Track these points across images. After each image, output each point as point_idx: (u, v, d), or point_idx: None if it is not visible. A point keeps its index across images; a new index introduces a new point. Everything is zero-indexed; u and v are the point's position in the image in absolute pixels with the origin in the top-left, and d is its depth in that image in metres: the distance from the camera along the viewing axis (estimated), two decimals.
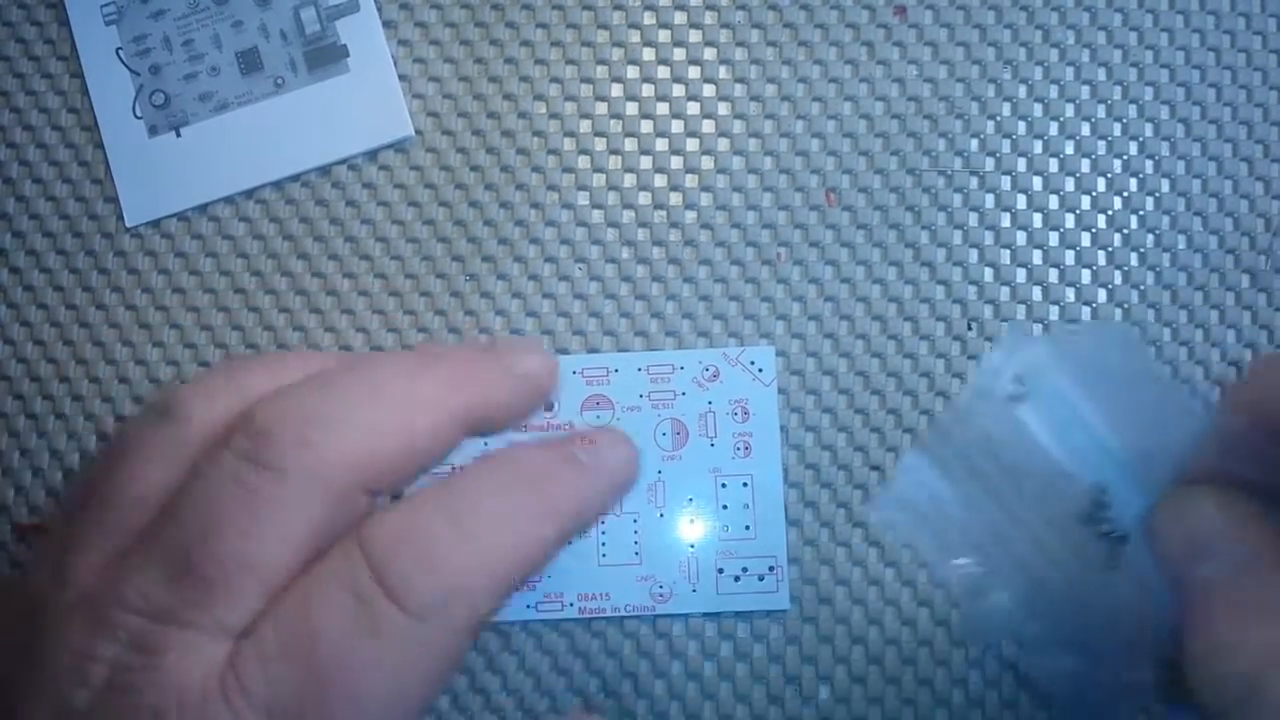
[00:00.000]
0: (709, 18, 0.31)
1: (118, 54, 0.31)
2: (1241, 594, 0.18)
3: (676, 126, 0.30)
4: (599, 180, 0.30)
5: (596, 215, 0.30)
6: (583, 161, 0.30)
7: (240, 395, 0.20)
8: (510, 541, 0.20)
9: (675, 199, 0.30)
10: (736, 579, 0.28)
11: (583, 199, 0.30)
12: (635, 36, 0.31)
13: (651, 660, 0.28)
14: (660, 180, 0.30)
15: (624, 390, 0.29)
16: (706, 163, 0.30)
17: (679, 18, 0.31)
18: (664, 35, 0.31)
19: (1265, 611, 0.18)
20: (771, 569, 0.28)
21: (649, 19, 0.31)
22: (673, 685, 0.28)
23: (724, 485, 0.28)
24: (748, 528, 0.28)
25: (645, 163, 0.30)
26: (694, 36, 0.31)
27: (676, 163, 0.30)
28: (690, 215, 0.30)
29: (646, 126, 0.30)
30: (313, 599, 0.18)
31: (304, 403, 0.19)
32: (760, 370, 0.29)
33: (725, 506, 0.28)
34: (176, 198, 0.30)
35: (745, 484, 0.28)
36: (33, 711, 0.17)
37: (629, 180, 0.30)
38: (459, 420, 0.20)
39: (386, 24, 0.31)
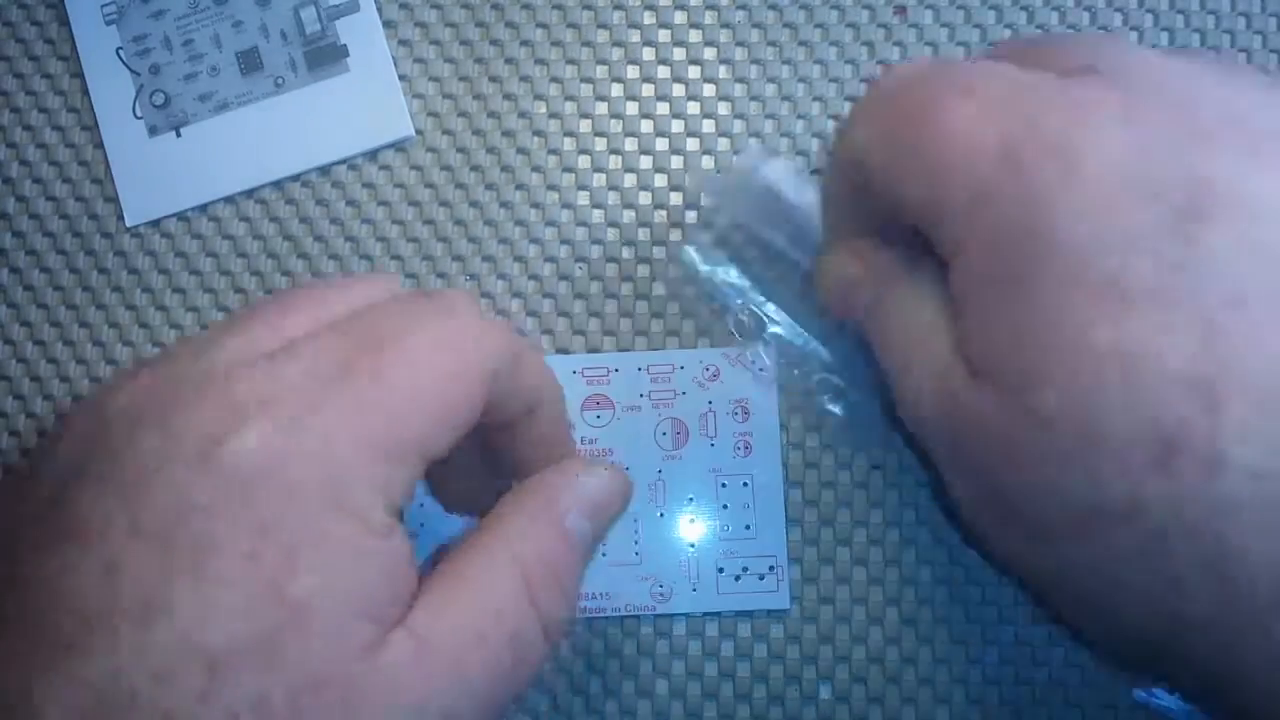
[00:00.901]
0: (709, 18, 0.31)
1: (118, 54, 0.30)
2: (892, 304, 0.22)
3: (676, 126, 0.30)
4: (599, 180, 0.30)
5: (597, 215, 0.30)
6: (583, 161, 0.30)
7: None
8: None
9: (675, 199, 0.30)
10: (737, 578, 0.28)
11: (583, 199, 0.30)
12: (635, 36, 0.31)
13: (653, 659, 0.28)
14: (660, 180, 0.30)
15: (624, 390, 0.29)
16: (707, 162, 0.30)
17: (679, 18, 0.31)
18: (664, 35, 0.31)
19: (908, 304, 0.22)
20: (772, 568, 0.28)
21: (649, 19, 0.31)
22: (674, 684, 0.28)
23: (724, 485, 0.28)
24: (748, 527, 0.28)
25: (645, 163, 0.30)
26: (694, 36, 0.31)
27: (677, 163, 0.30)
28: (691, 215, 0.30)
29: (646, 126, 0.30)
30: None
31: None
32: (761, 370, 0.29)
33: (725, 506, 0.28)
34: (176, 198, 0.30)
35: (745, 484, 0.28)
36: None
37: (629, 180, 0.30)
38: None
39: (386, 24, 0.31)
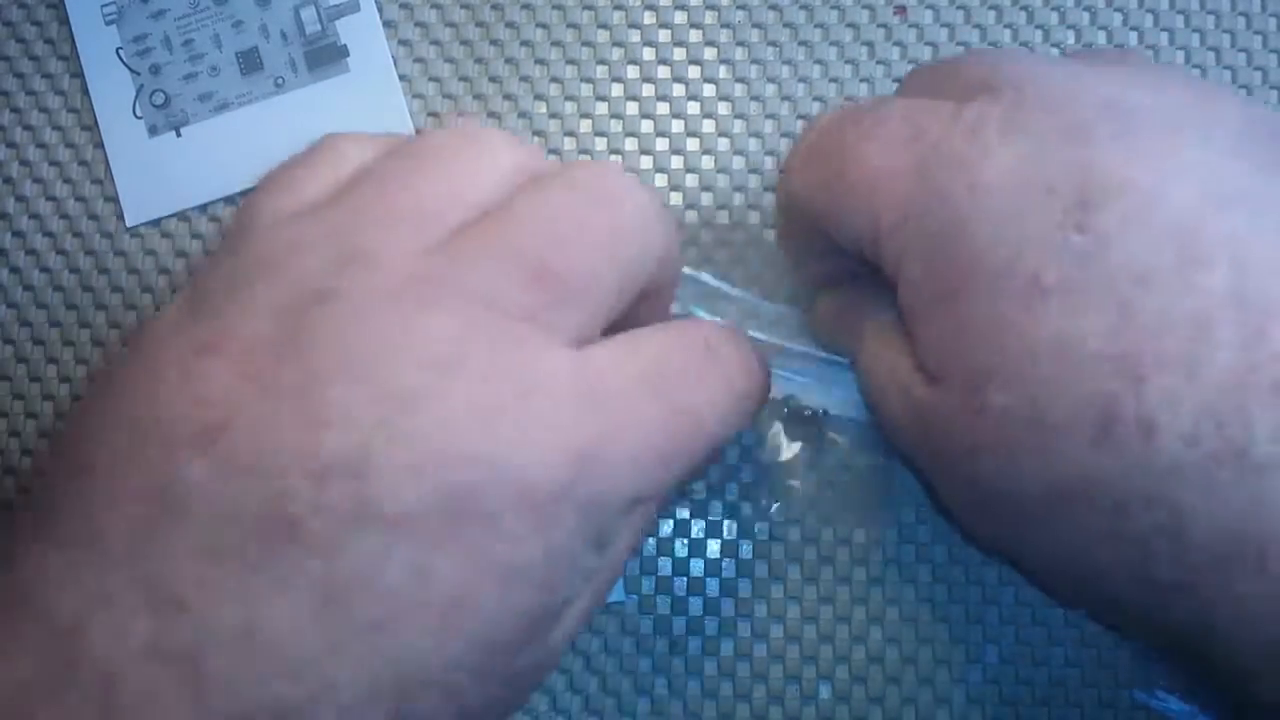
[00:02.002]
0: (709, 18, 0.31)
1: (118, 54, 0.30)
2: (866, 334, 0.23)
3: (676, 126, 0.30)
4: None
5: None
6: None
7: (526, 149, 0.21)
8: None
9: (676, 199, 0.30)
10: None
11: None
12: (635, 36, 0.31)
13: (652, 658, 0.28)
14: (661, 180, 0.30)
15: None
16: (707, 163, 0.30)
17: (679, 18, 0.31)
18: (664, 35, 0.31)
19: (877, 331, 0.23)
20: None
21: (649, 19, 0.31)
22: (673, 683, 0.28)
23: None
24: None
25: (645, 163, 0.30)
26: (694, 36, 0.31)
27: (677, 163, 0.30)
28: (691, 215, 0.30)
29: (647, 126, 0.30)
30: (668, 349, 0.20)
31: (625, 175, 0.21)
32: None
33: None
34: (177, 197, 0.30)
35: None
36: (350, 379, 0.17)
37: None
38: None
39: (386, 24, 0.31)
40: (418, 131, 0.30)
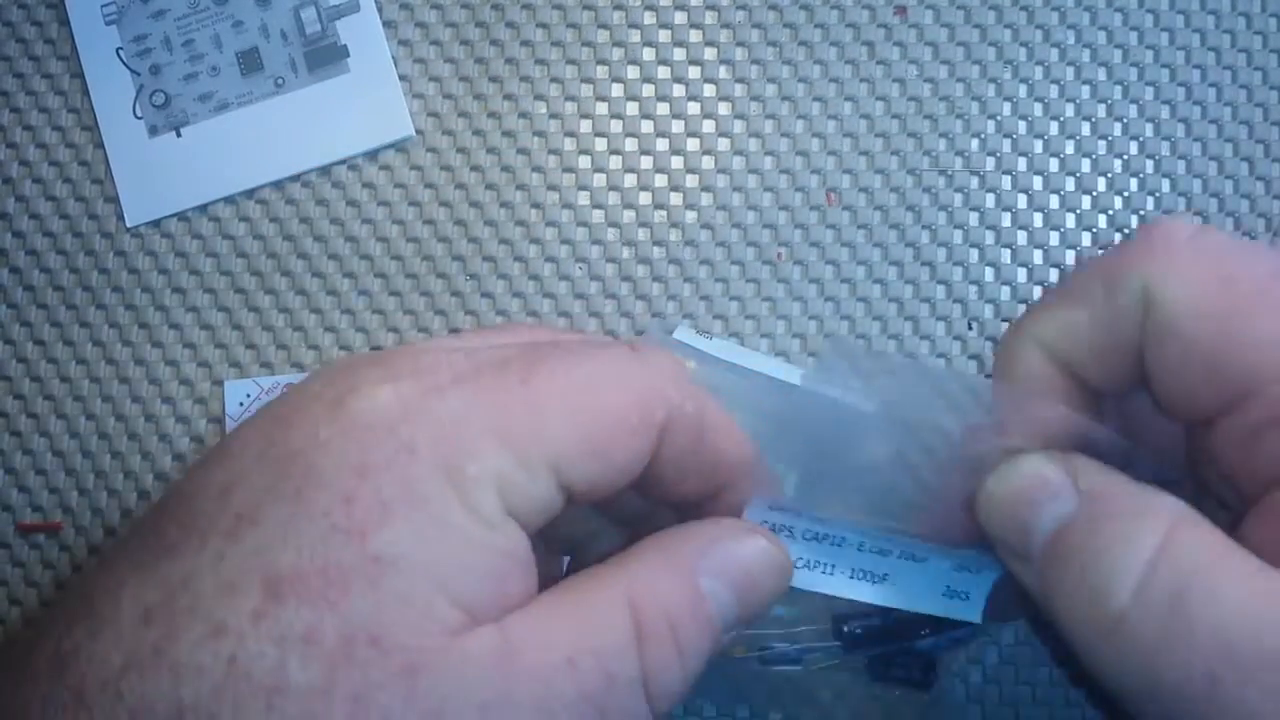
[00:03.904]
0: (709, 18, 0.31)
1: (118, 54, 0.30)
2: (1098, 524, 0.18)
3: (676, 126, 0.30)
4: (599, 180, 0.30)
5: (597, 215, 0.30)
6: (583, 161, 0.30)
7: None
8: None
9: (676, 199, 0.30)
10: None
11: (583, 199, 0.30)
12: (635, 36, 0.31)
13: None
14: (660, 180, 0.30)
15: None
16: (707, 163, 0.30)
17: (679, 18, 0.31)
18: (664, 35, 0.31)
19: (1127, 537, 0.17)
20: None
21: (649, 19, 0.31)
22: None
23: None
24: None
25: (645, 163, 0.30)
26: (694, 36, 0.31)
27: (677, 163, 0.30)
28: (691, 215, 0.30)
29: (647, 126, 0.30)
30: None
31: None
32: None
33: None
34: (176, 198, 0.30)
35: None
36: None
37: (629, 180, 0.30)
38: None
39: (386, 24, 0.31)
40: (417, 132, 0.30)
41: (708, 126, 0.30)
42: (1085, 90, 0.30)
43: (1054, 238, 0.30)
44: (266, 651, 0.16)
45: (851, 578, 0.21)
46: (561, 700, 0.17)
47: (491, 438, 0.17)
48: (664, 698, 0.18)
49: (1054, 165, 0.30)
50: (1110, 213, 0.30)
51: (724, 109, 0.30)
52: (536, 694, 0.17)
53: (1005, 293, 0.30)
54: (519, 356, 0.19)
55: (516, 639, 0.17)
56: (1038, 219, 0.30)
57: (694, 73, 0.31)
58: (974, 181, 0.30)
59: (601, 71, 0.31)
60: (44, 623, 0.18)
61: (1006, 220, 0.30)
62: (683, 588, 0.18)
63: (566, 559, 0.23)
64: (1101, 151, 0.30)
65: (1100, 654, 0.17)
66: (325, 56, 0.30)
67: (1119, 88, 0.30)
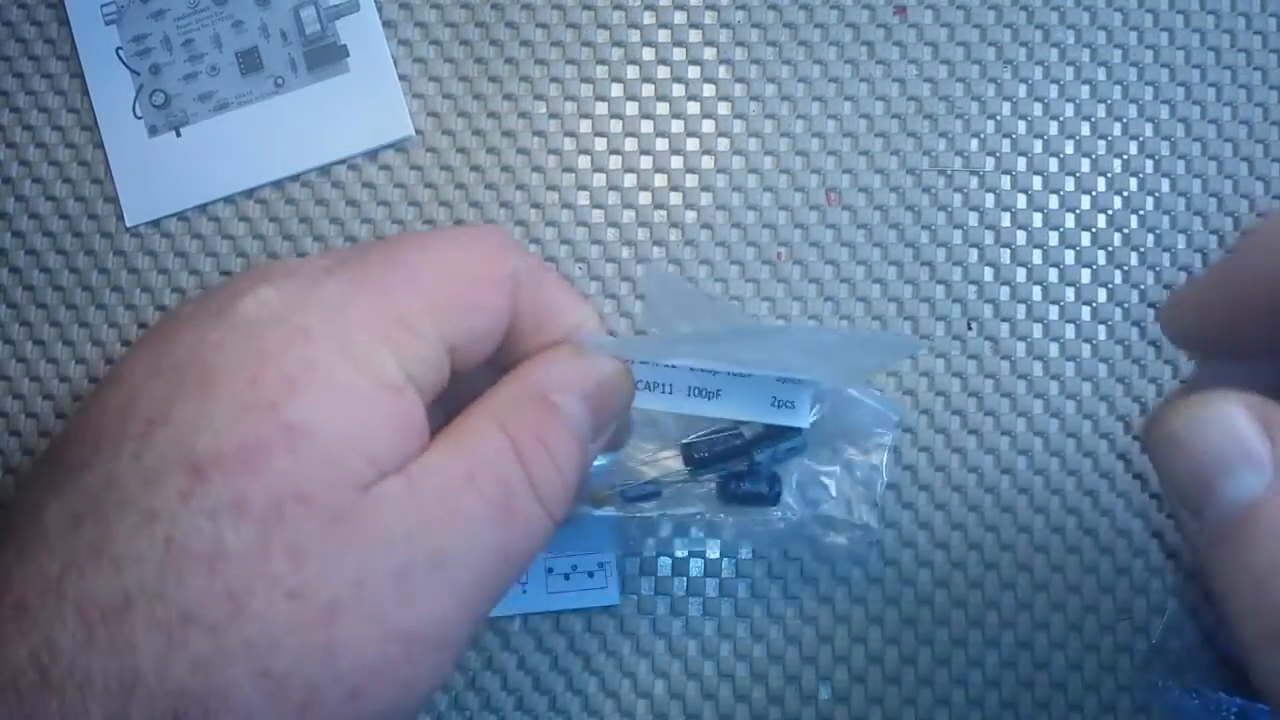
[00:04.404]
0: (709, 18, 0.31)
1: (118, 54, 0.31)
2: None
3: (676, 126, 0.30)
4: (599, 180, 0.30)
5: (596, 215, 0.30)
6: (583, 161, 0.30)
7: None
8: None
9: (675, 199, 0.30)
10: (567, 577, 0.28)
11: (583, 199, 0.30)
12: (635, 36, 0.31)
13: (651, 660, 0.28)
14: (660, 180, 0.30)
15: None
16: (706, 163, 0.30)
17: (679, 18, 0.31)
18: (664, 35, 0.31)
19: None
20: (601, 565, 0.28)
21: (649, 19, 0.31)
22: (672, 685, 0.28)
23: None
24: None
25: (645, 163, 0.30)
26: (694, 36, 0.31)
27: (676, 163, 0.30)
28: (690, 215, 0.30)
29: (646, 126, 0.30)
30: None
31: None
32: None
33: None
34: (176, 197, 0.30)
35: None
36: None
37: (629, 180, 0.30)
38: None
39: (386, 24, 0.31)
40: (417, 132, 0.30)
41: (707, 126, 0.30)
42: (1085, 90, 0.30)
43: (1053, 238, 0.30)
44: (200, 525, 0.17)
45: (688, 395, 0.24)
46: (469, 511, 0.19)
47: (376, 311, 0.19)
48: (552, 500, 0.20)
49: (1053, 165, 0.30)
50: (1110, 213, 0.30)
51: (724, 109, 0.30)
52: (449, 512, 0.19)
53: (1004, 293, 0.30)
54: (375, 245, 0.21)
55: (419, 477, 0.19)
56: (1037, 219, 0.30)
57: (694, 73, 0.31)
58: (973, 181, 0.30)
59: (601, 71, 0.31)
60: None
61: (1005, 220, 0.30)
62: (540, 405, 0.21)
63: None
64: (1101, 151, 0.30)
65: (1263, 660, 0.16)
66: (325, 56, 0.30)
67: (1119, 88, 0.30)
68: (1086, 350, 0.29)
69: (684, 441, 0.27)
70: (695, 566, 0.29)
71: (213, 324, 0.19)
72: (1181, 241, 0.30)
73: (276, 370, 0.18)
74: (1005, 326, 0.30)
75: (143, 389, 0.18)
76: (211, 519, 0.17)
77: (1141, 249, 0.30)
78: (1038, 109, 0.30)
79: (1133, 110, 0.30)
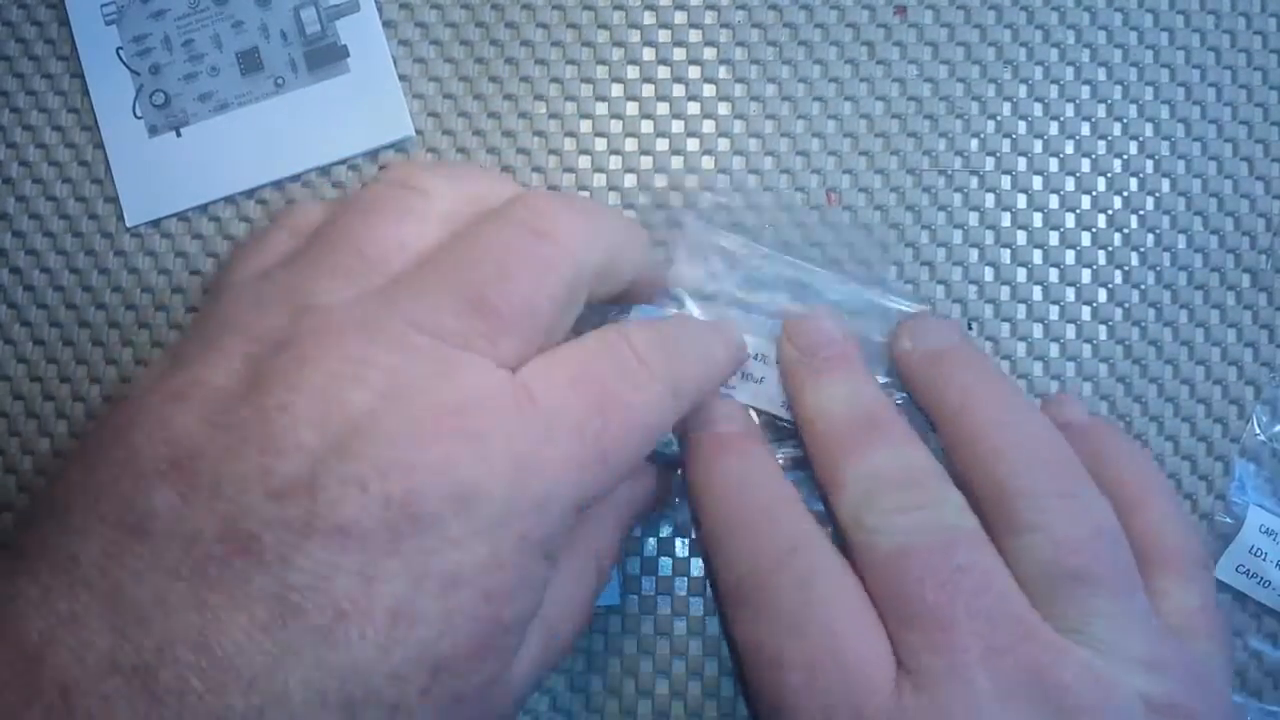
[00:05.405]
0: (709, 18, 0.31)
1: (118, 54, 0.30)
2: None
3: (676, 126, 0.30)
4: (599, 180, 0.30)
5: None
6: (583, 161, 0.30)
7: (464, 187, 0.23)
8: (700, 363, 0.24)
9: (676, 199, 0.30)
10: None
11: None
12: (635, 36, 0.31)
13: (653, 659, 0.28)
14: (660, 180, 0.30)
15: None
16: (707, 163, 0.30)
17: (679, 18, 0.31)
18: (664, 35, 0.31)
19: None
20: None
21: (649, 19, 0.31)
22: (674, 684, 0.28)
23: None
24: None
25: (645, 163, 0.30)
26: (694, 36, 0.31)
27: (677, 163, 0.30)
28: (690, 215, 0.30)
29: (647, 126, 0.30)
30: (593, 353, 0.21)
31: (563, 198, 0.23)
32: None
33: None
34: (176, 198, 0.30)
35: None
36: (301, 411, 0.18)
37: (629, 180, 0.30)
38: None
39: (386, 24, 0.31)
40: (417, 132, 0.30)
41: (708, 126, 0.30)
42: (1085, 90, 0.30)
43: (1054, 238, 0.30)
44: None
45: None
46: (571, 410, 0.20)
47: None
48: (653, 410, 0.21)
49: (1053, 165, 0.30)
50: (1110, 213, 0.30)
51: (724, 109, 0.30)
52: (552, 411, 0.20)
53: (1005, 293, 0.30)
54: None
55: (528, 377, 0.20)
56: (1037, 219, 0.30)
57: (694, 73, 0.31)
58: (974, 181, 0.30)
59: (601, 72, 0.31)
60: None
61: (1006, 220, 0.30)
62: (624, 333, 0.22)
63: None
64: (1101, 151, 0.30)
65: None
66: (325, 56, 0.30)
67: (1119, 88, 0.30)
68: (1087, 350, 0.30)
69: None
70: (697, 566, 0.29)
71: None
72: (1182, 242, 0.30)
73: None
74: (1005, 326, 0.30)
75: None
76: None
77: (1141, 249, 0.30)
78: (1038, 109, 0.30)
79: (1133, 110, 0.30)
